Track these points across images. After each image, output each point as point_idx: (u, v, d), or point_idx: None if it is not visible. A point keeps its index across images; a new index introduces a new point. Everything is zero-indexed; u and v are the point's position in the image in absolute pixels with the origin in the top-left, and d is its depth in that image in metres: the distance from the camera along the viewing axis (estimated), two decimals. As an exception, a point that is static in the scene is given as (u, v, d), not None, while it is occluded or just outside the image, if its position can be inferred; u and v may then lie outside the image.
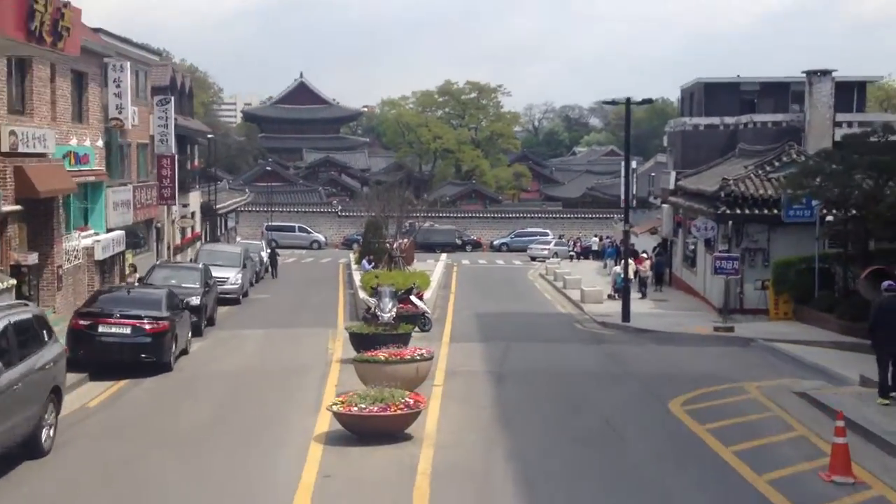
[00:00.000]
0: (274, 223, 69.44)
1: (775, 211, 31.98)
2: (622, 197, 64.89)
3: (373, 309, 23.24)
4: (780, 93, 47.32)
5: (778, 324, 29.49)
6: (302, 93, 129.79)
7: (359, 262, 44.82)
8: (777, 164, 33.76)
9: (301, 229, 70.01)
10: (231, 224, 62.49)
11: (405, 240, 49.83)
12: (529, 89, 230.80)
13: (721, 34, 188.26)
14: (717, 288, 32.98)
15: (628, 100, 29.96)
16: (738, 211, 32.21)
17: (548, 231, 72.67)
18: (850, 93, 45.98)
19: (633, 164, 66.35)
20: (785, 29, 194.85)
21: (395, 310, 22.78)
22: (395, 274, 34.02)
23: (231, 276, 35.53)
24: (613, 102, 29.98)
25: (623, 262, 31.58)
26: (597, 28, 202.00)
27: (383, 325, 21.76)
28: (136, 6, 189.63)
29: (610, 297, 36.55)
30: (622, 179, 65.71)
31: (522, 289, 43.89)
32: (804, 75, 43.56)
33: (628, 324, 28.96)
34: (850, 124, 43.13)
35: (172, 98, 40.34)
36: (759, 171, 33.58)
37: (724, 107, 46.74)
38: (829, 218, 29.13)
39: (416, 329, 26.27)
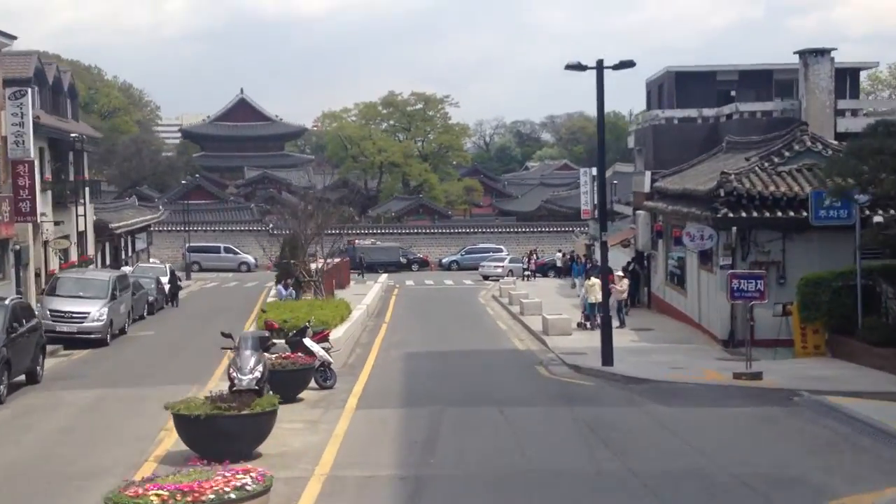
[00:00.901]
0: (196, 244, 60.25)
1: (791, 213, 23.87)
2: (586, 202, 56.87)
3: (229, 369, 14.69)
4: (762, 82, 39.37)
5: (811, 362, 21.24)
6: (243, 110, 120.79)
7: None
8: (787, 153, 25.60)
9: (227, 250, 60.91)
10: (140, 245, 53.23)
11: (331, 260, 41.16)
12: (480, 106, 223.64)
13: (670, 49, 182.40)
14: (719, 313, 24.67)
15: (600, 63, 21.64)
16: (744, 214, 24.01)
17: (501, 247, 64.24)
18: (843, 81, 38.17)
19: (585, 178, 58.41)
20: (730, 43, 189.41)
21: (260, 368, 14.22)
22: (301, 304, 25.22)
23: (93, 312, 26.68)
24: (580, 67, 21.63)
25: (601, 283, 23.08)
26: (545, 46, 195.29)
27: (239, 395, 13.23)
28: (78, 27, 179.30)
29: (580, 325, 28.13)
30: (582, 184, 57.79)
31: (472, 316, 35.32)
32: (791, 62, 35.91)
33: (611, 369, 20.48)
34: (854, 112, 35.32)
35: (30, 91, 31.28)
36: (766, 164, 25.40)
37: (698, 99, 38.70)
38: (878, 219, 21.02)
39: (315, 385, 17.82)
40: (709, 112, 37.75)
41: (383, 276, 51.35)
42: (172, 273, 43.20)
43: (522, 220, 78.77)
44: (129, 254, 50.42)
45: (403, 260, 61.64)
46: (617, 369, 20.25)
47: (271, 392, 15.15)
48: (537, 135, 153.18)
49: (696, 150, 35.54)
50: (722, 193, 24.18)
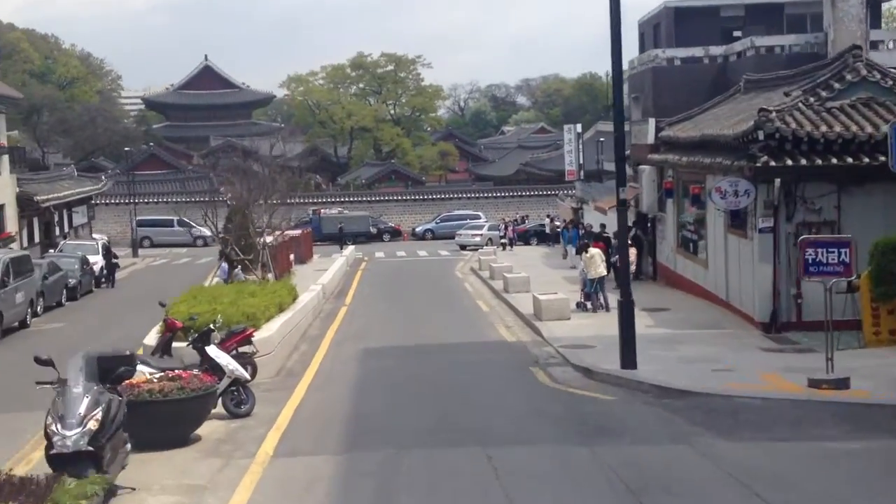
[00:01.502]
0: (146, 217, 54.10)
1: (848, 159, 18.29)
2: (571, 162, 50.59)
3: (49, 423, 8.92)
4: (771, 17, 33.61)
5: (892, 354, 15.69)
6: (208, 77, 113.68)
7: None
8: (837, 85, 19.90)
9: (182, 223, 54.65)
10: (80, 220, 46.99)
11: (284, 232, 35.37)
12: (453, 72, 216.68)
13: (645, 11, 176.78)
14: (757, 289, 19.10)
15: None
16: (789, 161, 18.37)
17: (479, 213, 58.45)
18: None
19: (570, 136, 52.60)
20: None
21: (98, 415, 8.46)
22: (228, 290, 19.29)
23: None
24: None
25: (620, 253, 17.26)
26: (519, 11, 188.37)
27: (56, 465, 7.42)
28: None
29: (579, 306, 22.45)
30: (566, 142, 51.73)
31: (448, 294, 29.55)
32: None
33: (634, 373, 14.79)
34: (893, 44, 29.73)
35: None
36: (811, 100, 19.70)
37: (700, 38, 32.98)
38: None
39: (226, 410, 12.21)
40: (716, 50, 32.04)
41: (350, 248, 45.55)
42: (108, 250, 37.28)
43: (500, 184, 73.06)
44: (66, 230, 44.22)
45: (374, 230, 55.76)
46: (642, 374, 14.58)
47: (129, 445, 9.48)
48: (513, 98, 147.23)
49: (703, 93, 29.90)
50: (760, 136, 18.51)
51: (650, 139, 27.63)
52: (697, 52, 32.13)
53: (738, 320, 20.17)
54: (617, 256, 22.77)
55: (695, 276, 24.17)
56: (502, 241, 46.79)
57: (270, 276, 29.80)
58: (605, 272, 22.13)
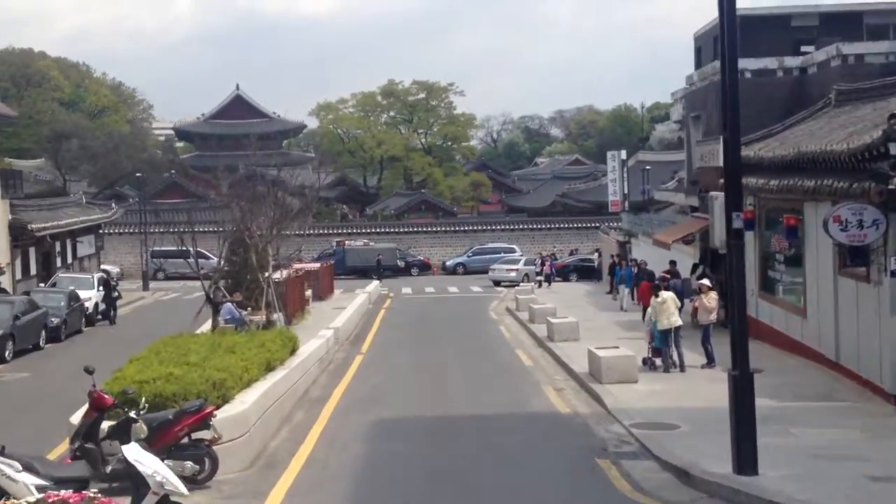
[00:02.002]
0: (160, 248, 50.05)
1: None
2: (615, 192, 45.55)
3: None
4: (849, 26, 28.87)
5: None
6: (238, 106, 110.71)
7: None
8: None
9: (199, 254, 50.39)
10: (86, 250, 43.04)
11: (297, 267, 31.24)
12: (486, 103, 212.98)
13: (679, 42, 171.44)
14: (886, 349, 14.33)
15: None
16: (935, 183, 13.70)
17: (514, 247, 53.87)
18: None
19: (614, 163, 48.06)
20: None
21: None
22: (201, 343, 14.71)
23: None
24: None
25: (729, 302, 12.60)
26: (552, 42, 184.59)
27: None
28: (86, 31, 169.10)
29: (646, 363, 17.73)
30: (610, 170, 46.93)
31: (481, 342, 24.84)
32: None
33: (759, 485, 10.03)
34: None
35: None
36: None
37: (768, 50, 28.46)
38: None
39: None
40: (792, 61, 27.39)
41: (374, 283, 41.10)
42: (107, 284, 33.14)
43: (535, 216, 68.53)
44: (69, 261, 40.24)
45: (401, 263, 51.30)
46: (770, 484, 9.87)
47: None
48: (546, 130, 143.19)
49: (778, 110, 25.34)
50: (893, 151, 13.85)
51: (721, 161, 22.93)
52: (770, 63, 27.50)
53: (855, 388, 15.39)
54: (695, 301, 18.16)
55: (786, 327, 19.39)
56: (539, 277, 42.05)
57: (277, 316, 25.46)
58: (679, 322, 17.45)
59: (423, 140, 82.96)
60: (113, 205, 48.69)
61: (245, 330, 25.00)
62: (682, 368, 17.28)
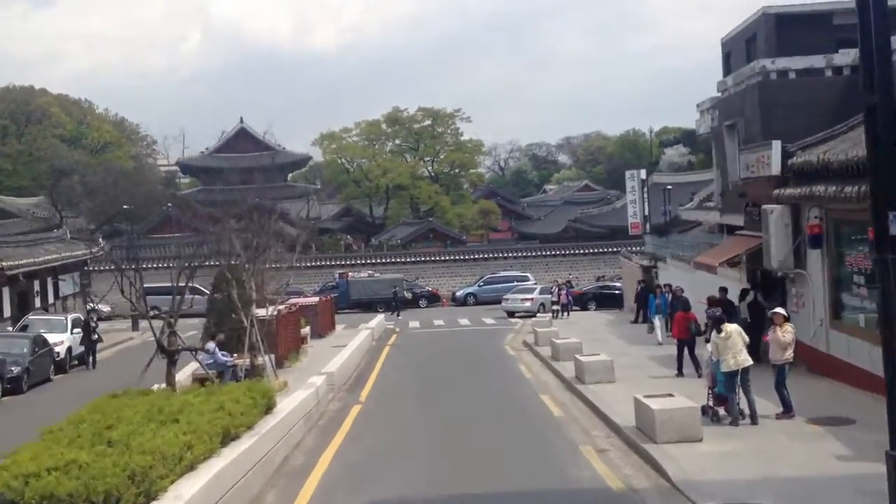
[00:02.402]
0: (154, 284, 46.58)
1: None
2: (634, 214, 41.84)
3: None
4: (894, 22, 25.42)
5: None
6: (243, 140, 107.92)
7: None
8: None
9: (194, 290, 47.01)
10: (70, 289, 39.63)
11: (291, 303, 27.90)
12: (493, 131, 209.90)
13: (682, 70, 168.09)
14: None
15: None
16: None
17: (527, 275, 50.28)
18: None
19: (633, 182, 44.60)
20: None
21: None
22: (133, 408, 11.12)
23: None
24: None
25: (884, 332, 8.95)
26: (558, 71, 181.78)
27: None
28: (94, 71, 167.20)
29: (707, 413, 14.02)
30: (629, 190, 43.21)
31: (499, 386, 21.09)
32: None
33: None
34: None
35: None
36: None
37: (810, 50, 25.01)
38: None
39: None
40: (843, 59, 23.86)
41: (380, 317, 37.50)
42: (86, 325, 29.74)
43: (546, 243, 64.99)
44: (50, 300, 36.85)
45: (408, 294, 47.72)
46: None
47: None
48: (554, 157, 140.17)
49: (828, 114, 21.78)
50: None
51: (775, 169, 19.44)
52: (817, 61, 23.99)
53: None
54: (766, 335, 14.55)
55: (871, 364, 15.72)
56: (554, 306, 38.28)
57: (264, 360, 21.97)
58: (749, 361, 13.82)
59: (429, 168, 79.75)
60: (100, 240, 45.35)
61: (228, 379, 21.60)
62: (754, 420, 13.65)
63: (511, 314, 41.33)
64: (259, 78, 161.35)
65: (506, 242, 69.77)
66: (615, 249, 49.85)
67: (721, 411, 14.01)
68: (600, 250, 53.47)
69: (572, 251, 54.85)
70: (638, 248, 40.93)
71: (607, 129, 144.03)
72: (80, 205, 77.25)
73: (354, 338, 29.11)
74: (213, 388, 12.78)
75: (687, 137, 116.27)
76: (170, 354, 14.03)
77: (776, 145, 19.55)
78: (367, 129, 78.85)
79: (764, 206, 19.28)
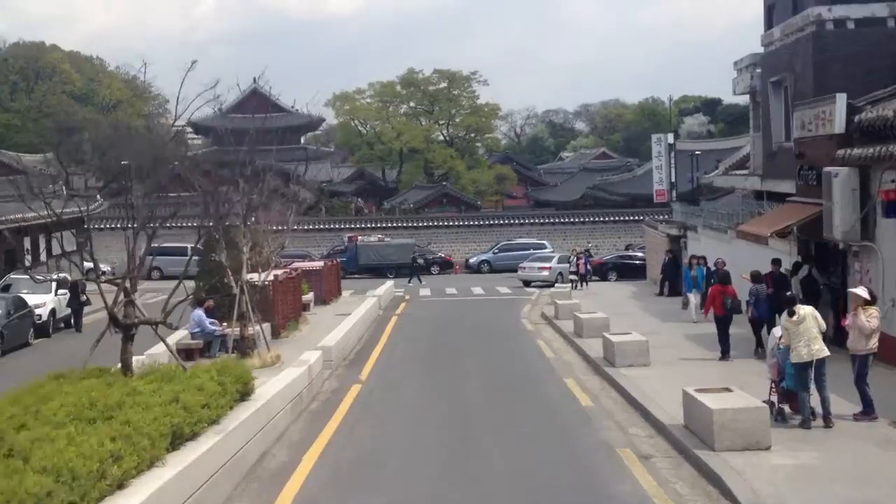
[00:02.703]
0: (156, 245, 44.30)
1: None
2: (660, 180, 38.95)
3: None
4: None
5: None
6: (256, 101, 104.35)
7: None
8: None
9: (197, 251, 44.81)
10: (66, 247, 37.21)
11: (293, 267, 25.68)
12: (510, 98, 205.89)
13: (701, 44, 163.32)
14: None
15: None
16: None
17: (544, 242, 47.68)
18: None
19: (660, 147, 41.81)
20: (756, 35, 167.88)
21: None
22: (65, 405, 8.73)
23: None
24: None
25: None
26: (576, 40, 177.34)
27: None
28: (108, 32, 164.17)
29: (773, 413, 11.49)
30: (655, 155, 40.38)
31: (516, 366, 18.54)
32: None
33: None
34: None
35: None
36: None
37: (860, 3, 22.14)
38: None
39: None
40: (911, 6, 21.07)
41: (388, 284, 35.09)
42: (74, 287, 27.53)
43: (563, 210, 62.31)
44: (42, 259, 34.64)
45: (420, 260, 45.26)
46: None
47: None
48: (571, 124, 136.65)
49: (890, 69, 19.17)
50: None
51: (839, 126, 16.75)
52: (879, 9, 21.16)
53: None
54: (845, 320, 12.01)
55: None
56: (573, 276, 35.71)
57: (256, 330, 19.64)
58: (825, 351, 11.30)
59: (444, 132, 76.92)
60: (98, 198, 43.01)
61: (219, 353, 19.31)
62: (828, 422, 11.16)
63: (527, 283, 38.84)
64: (275, 41, 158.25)
65: (521, 209, 67.10)
66: (638, 217, 47.12)
67: (787, 409, 11.53)
68: (621, 218, 50.76)
69: (591, 219, 52.10)
70: (663, 217, 38.25)
71: (626, 96, 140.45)
72: (88, 162, 75.16)
73: (360, 306, 26.75)
74: (171, 371, 10.36)
75: (707, 106, 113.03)
76: (125, 328, 11.67)
77: (841, 99, 16.82)
78: (382, 90, 76.02)
79: (825, 169, 16.61)
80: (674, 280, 30.98)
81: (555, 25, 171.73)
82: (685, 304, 23.15)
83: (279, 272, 23.75)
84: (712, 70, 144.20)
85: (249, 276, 20.35)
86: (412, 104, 77.40)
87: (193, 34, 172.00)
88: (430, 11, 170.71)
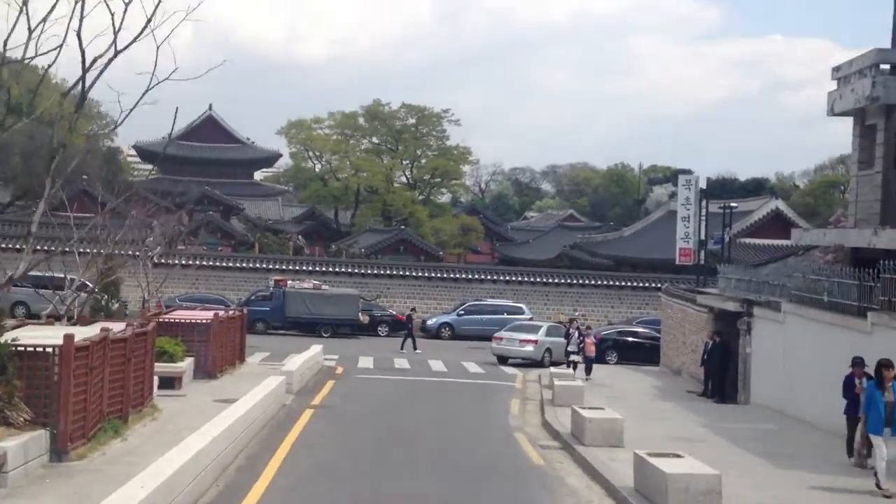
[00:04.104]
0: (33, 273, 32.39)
1: None
2: (686, 235, 27.38)
3: None
4: None
5: None
6: (210, 129, 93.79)
7: None
8: None
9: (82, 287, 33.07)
10: None
11: (154, 314, 14.13)
12: (476, 154, 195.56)
13: (664, 118, 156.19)
14: None
15: None
16: None
17: (521, 306, 36.71)
18: None
19: (688, 192, 31.44)
20: (722, 118, 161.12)
21: None
22: None
23: None
24: None
25: None
26: (545, 103, 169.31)
27: None
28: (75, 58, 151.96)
29: None
30: (682, 201, 29.28)
31: None
32: None
33: None
34: None
35: None
36: None
37: None
38: None
39: None
40: None
41: (316, 349, 23.62)
42: None
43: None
44: None
45: (364, 318, 33.87)
46: None
47: None
48: (537, 184, 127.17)
49: None
50: None
51: None
52: None
53: None
54: None
55: None
56: (573, 357, 24.39)
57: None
58: None
59: (408, 173, 66.11)
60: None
61: None
62: None
63: (503, 359, 27.80)
64: (244, 81, 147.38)
65: (488, 266, 56.12)
66: (647, 284, 36.52)
67: None
68: (616, 283, 39.96)
69: (580, 281, 41.00)
70: (686, 285, 27.51)
71: (594, 160, 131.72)
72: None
73: (258, 388, 15.44)
74: None
75: (676, 177, 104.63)
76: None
77: None
78: (343, 121, 65.20)
79: None
80: (721, 376, 20.41)
81: (523, 89, 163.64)
82: (858, 453, 12.04)
83: (86, 329, 12.47)
84: (680, 142, 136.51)
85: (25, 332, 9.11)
86: (375, 140, 66.65)
87: (164, 67, 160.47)
88: (402, 66, 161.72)
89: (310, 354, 21.86)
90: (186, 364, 18.39)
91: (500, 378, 24.09)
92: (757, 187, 75.25)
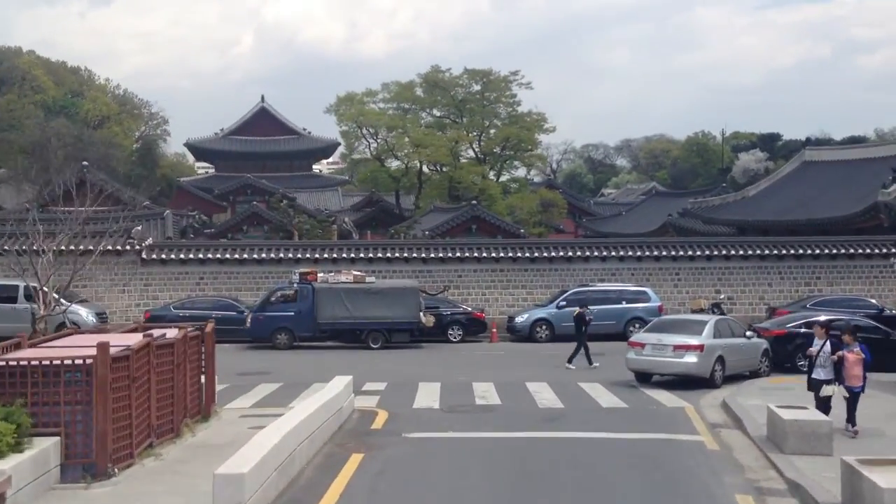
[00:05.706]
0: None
1: None
2: None
3: None
4: None
5: None
6: (263, 121, 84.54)
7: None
8: None
9: (27, 296, 23.07)
10: None
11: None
12: (544, 136, 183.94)
13: (738, 88, 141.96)
14: None
15: None
16: None
17: (646, 289, 25.28)
18: None
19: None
20: (797, 83, 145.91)
21: None
22: None
23: None
24: None
25: None
26: (610, 83, 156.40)
27: None
28: (147, 70, 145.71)
29: None
30: None
31: None
32: None
33: None
34: None
35: None
36: None
37: None
38: None
39: None
40: None
41: (333, 389, 12.59)
42: None
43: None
44: None
45: (427, 319, 22.88)
46: None
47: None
48: (611, 160, 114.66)
49: None
50: None
51: None
52: None
53: None
54: None
55: None
56: (826, 391, 11.51)
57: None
58: None
59: (475, 146, 54.81)
60: None
61: None
62: None
63: (644, 376, 16.56)
64: (305, 82, 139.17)
65: (589, 240, 44.39)
66: (817, 251, 24.65)
67: None
68: (791, 252, 27.57)
69: (726, 252, 28.24)
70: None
71: (672, 131, 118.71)
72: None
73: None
74: None
75: (763, 142, 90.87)
76: None
77: None
78: (399, 92, 54.31)
79: None
80: None
81: (592, 68, 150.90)
82: None
83: None
84: (756, 110, 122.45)
85: None
86: (436, 112, 55.67)
87: (230, 73, 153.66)
88: (462, 56, 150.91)
89: (335, 391, 11.06)
90: (25, 459, 7.88)
91: (659, 419, 12.99)
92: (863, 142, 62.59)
